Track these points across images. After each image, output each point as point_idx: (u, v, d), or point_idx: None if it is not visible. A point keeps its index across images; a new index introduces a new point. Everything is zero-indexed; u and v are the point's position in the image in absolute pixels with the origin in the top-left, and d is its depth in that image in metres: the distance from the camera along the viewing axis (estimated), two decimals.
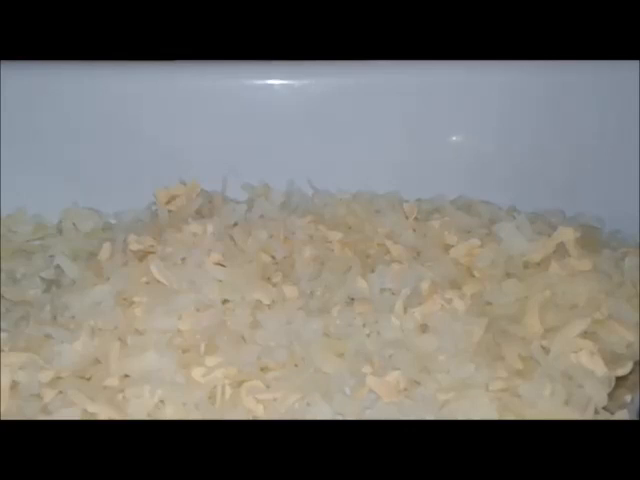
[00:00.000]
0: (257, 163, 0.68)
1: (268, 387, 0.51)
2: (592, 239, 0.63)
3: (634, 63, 0.64)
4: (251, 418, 0.49)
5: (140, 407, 0.49)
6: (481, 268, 0.58)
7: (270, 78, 0.67)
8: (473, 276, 0.58)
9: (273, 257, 0.59)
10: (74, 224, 0.66)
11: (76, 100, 0.66)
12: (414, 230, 0.62)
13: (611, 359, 0.52)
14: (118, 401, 0.50)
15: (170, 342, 0.53)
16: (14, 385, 0.51)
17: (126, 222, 0.66)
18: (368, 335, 0.54)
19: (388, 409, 0.49)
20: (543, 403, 0.49)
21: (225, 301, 0.55)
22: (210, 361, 0.51)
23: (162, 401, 0.50)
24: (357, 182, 0.68)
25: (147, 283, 0.56)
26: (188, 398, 0.50)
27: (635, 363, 0.52)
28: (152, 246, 0.59)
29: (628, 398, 0.52)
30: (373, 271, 0.57)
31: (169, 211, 0.64)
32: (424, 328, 0.54)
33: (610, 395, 0.50)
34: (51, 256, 0.62)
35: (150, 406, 0.49)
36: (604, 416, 0.50)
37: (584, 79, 0.67)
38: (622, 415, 0.50)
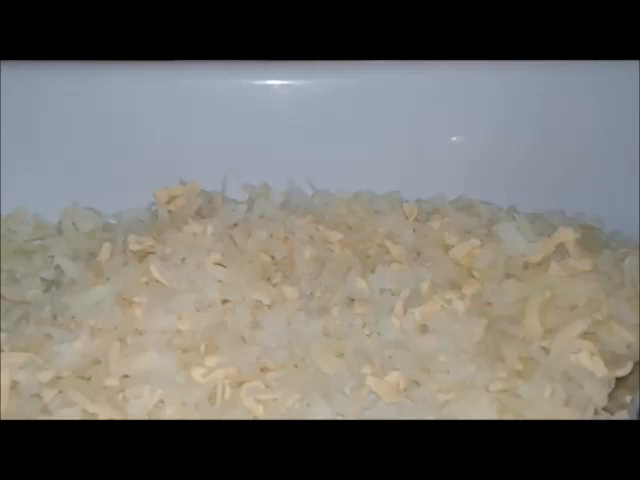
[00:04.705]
0: (257, 163, 0.69)
1: (268, 387, 0.51)
2: (592, 239, 0.63)
3: (634, 63, 0.64)
4: (251, 418, 0.49)
5: (140, 407, 0.49)
6: (481, 269, 0.58)
7: (269, 78, 0.67)
8: (473, 277, 0.58)
9: (273, 257, 0.59)
10: (74, 224, 0.66)
11: (76, 100, 0.66)
12: (414, 230, 0.62)
13: (611, 360, 0.52)
14: (118, 401, 0.50)
15: (170, 342, 0.53)
16: (14, 385, 0.51)
17: (126, 222, 0.66)
18: (368, 335, 0.54)
19: (388, 409, 0.49)
20: (543, 404, 0.49)
21: (225, 301, 0.55)
22: (210, 361, 0.51)
23: (162, 401, 0.50)
24: (357, 182, 0.68)
25: (147, 283, 0.56)
26: (188, 398, 0.50)
27: (635, 364, 0.52)
28: (152, 246, 0.59)
29: (628, 399, 0.52)
30: (373, 271, 0.57)
31: (169, 211, 0.64)
32: (424, 328, 0.54)
33: (610, 396, 0.50)
34: (51, 256, 0.63)
35: (150, 406, 0.49)
36: (604, 416, 0.50)
37: (584, 79, 0.67)
38: (622, 415, 0.50)
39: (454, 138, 0.69)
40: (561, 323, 0.53)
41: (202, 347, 0.53)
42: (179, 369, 0.51)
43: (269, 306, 0.55)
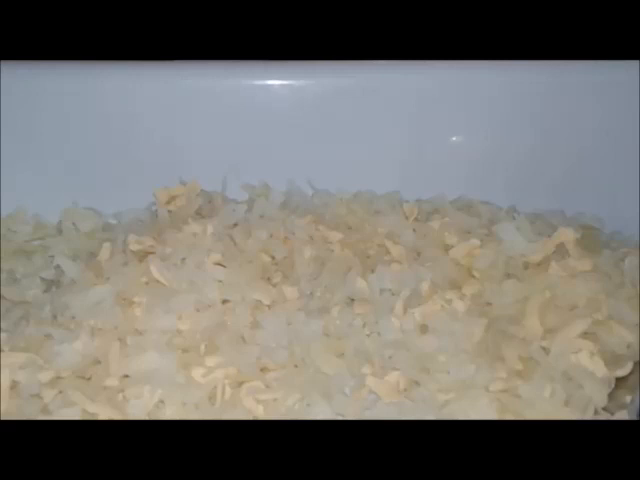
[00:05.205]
0: (257, 163, 0.69)
1: (268, 387, 0.51)
2: (592, 239, 0.63)
3: (634, 63, 0.64)
4: (251, 418, 0.49)
5: (140, 407, 0.49)
6: (481, 269, 0.58)
7: (269, 78, 0.67)
8: (473, 277, 0.58)
9: (273, 257, 0.59)
10: (74, 224, 0.66)
11: (76, 100, 0.66)
12: (414, 230, 0.62)
13: (611, 360, 0.52)
14: (118, 401, 0.50)
15: (170, 342, 0.53)
16: (14, 385, 0.51)
17: (126, 222, 0.66)
18: (368, 335, 0.54)
19: (388, 409, 0.49)
20: (543, 404, 0.49)
21: (225, 301, 0.55)
22: (210, 361, 0.51)
23: (162, 401, 0.50)
24: (357, 182, 0.68)
25: (147, 283, 0.56)
26: (188, 398, 0.50)
27: (635, 364, 0.52)
28: (152, 246, 0.59)
29: (628, 399, 0.52)
30: (373, 271, 0.57)
31: (169, 211, 0.64)
32: (424, 328, 0.54)
33: (610, 396, 0.50)
34: (51, 256, 0.63)
35: (150, 406, 0.49)
36: (604, 416, 0.50)
37: (584, 79, 0.67)
38: (622, 415, 0.50)
39: (454, 138, 0.69)
40: (561, 323, 0.53)
41: (202, 347, 0.53)
42: (179, 369, 0.51)
43: (269, 306, 0.55)
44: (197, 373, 0.51)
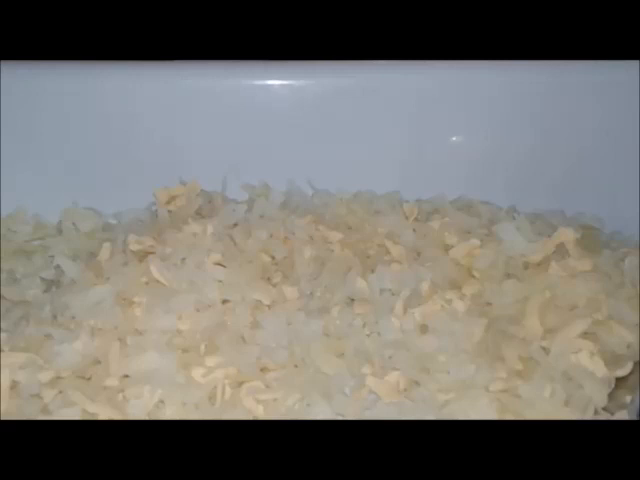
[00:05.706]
0: (257, 163, 0.69)
1: (268, 387, 0.51)
2: (592, 239, 0.63)
3: (634, 63, 0.64)
4: (251, 418, 0.49)
5: (140, 407, 0.49)
6: (481, 269, 0.58)
7: (269, 78, 0.67)
8: (473, 277, 0.58)
9: (273, 257, 0.59)
10: (74, 224, 0.66)
11: (76, 100, 0.66)
12: (414, 230, 0.62)
13: (611, 360, 0.52)
14: (118, 401, 0.50)
15: (170, 342, 0.53)
16: (14, 385, 0.51)
17: (126, 222, 0.66)
18: (368, 335, 0.54)
19: (388, 409, 0.49)
20: (543, 404, 0.49)
21: (225, 301, 0.55)
22: (210, 361, 0.51)
23: (162, 401, 0.50)
24: (357, 182, 0.68)
25: (147, 283, 0.56)
26: (188, 398, 0.50)
27: (635, 364, 0.52)
28: (152, 246, 0.59)
29: (628, 399, 0.52)
30: (373, 271, 0.57)
31: (169, 211, 0.64)
32: (424, 328, 0.54)
33: (610, 396, 0.50)
34: (51, 256, 0.63)
35: (150, 406, 0.49)
36: (604, 416, 0.50)
37: (584, 79, 0.67)
38: (622, 415, 0.50)
39: (454, 138, 0.69)
40: (561, 323, 0.53)
41: (202, 347, 0.53)
42: (179, 369, 0.51)
43: (269, 306, 0.55)
44: (197, 373, 0.51)
